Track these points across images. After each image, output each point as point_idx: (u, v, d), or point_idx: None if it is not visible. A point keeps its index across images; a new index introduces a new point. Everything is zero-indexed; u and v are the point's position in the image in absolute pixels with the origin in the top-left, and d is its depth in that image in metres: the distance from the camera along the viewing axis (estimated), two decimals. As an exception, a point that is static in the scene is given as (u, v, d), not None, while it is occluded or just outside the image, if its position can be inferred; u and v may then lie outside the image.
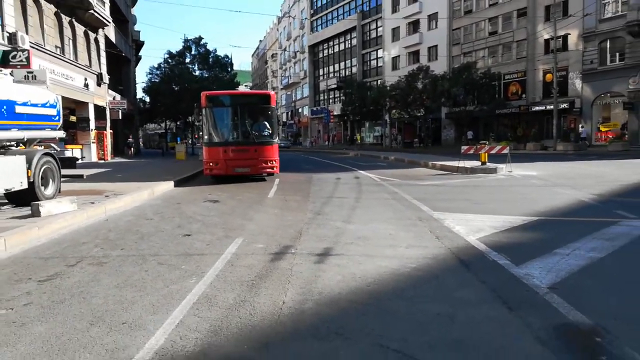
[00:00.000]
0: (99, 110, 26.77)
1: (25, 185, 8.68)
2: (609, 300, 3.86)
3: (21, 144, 9.59)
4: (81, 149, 23.12)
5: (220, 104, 14.70)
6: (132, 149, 34.36)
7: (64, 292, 4.53)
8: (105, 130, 26.98)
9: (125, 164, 23.96)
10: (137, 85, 42.73)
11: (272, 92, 15.63)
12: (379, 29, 54.69)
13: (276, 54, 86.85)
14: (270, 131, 14.63)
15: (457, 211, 8.22)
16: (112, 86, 30.59)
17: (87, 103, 24.68)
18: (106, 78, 27.88)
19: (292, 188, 12.76)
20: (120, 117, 30.02)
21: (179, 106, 37.33)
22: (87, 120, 24.77)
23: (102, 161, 25.12)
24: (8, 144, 9.23)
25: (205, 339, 3.39)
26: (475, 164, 16.37)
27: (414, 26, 49.27)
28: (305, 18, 67.96)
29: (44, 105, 9.76)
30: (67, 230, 7.49)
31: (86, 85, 24.43)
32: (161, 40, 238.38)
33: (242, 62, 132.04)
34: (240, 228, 7.45)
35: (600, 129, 34.21)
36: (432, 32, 46.79)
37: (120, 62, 35.03)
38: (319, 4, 66.62)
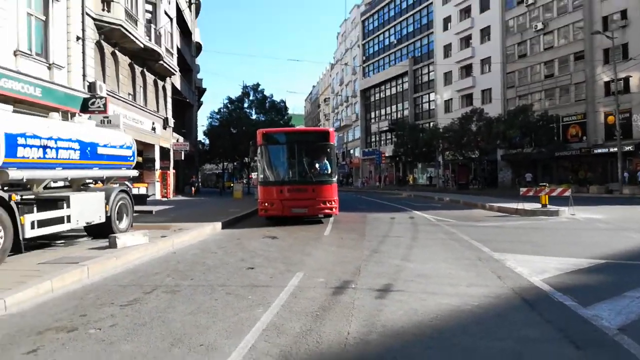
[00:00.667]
0: (164, 152, 28.38)
1: (103, 219, 9.40)
2: (685, 343, 3.75)
3: (99, 182, 10.42)
4: (147, 187, 24.46)
5: (277, 142, 14.20)
6: (194, 187, 35.82)
7: (144, 316, 4.89)
8: (169, 170, 28.49)
9: (186, 202, 25.06)
10: (197, 128, 45.01)
11: (331, 129, 14.82)
12: (431, 74, 55.19)
13: (329, 98, 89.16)
14: (329, 170, 13.87)
15: (519, 252, 8.11)
16: (176, 129, 32.45)
17: (154, 145, 26.27)
18: (171, 122, 29.70)
19: (348, 227, 12.95)
20: (182, 158, 31.63)
21: (236, 148, 38.87)
22: (153, 160, 26.30)
23: (165, 199, 26.39)
24: (89, 181, 10.08)
25: (277, 363, 3.60)
26: (536, 206, 15.95)
27: (467, 70, 49.42)
28: (358, 65, 69.76)
29: (121, 147, 10.62)
30: (140, 262, 8.00)
31: (153, 129, 26.10)
32: (221, 87, 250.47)
33: (296, 106, 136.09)
34: (300, 263, 7.70)
35: (671, 173, 32.40)
36: (485, 76, 46.72)
37: (184, 107, 37.24)
38: (371, 51, 68.36)
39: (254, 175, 19.16)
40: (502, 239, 10.00)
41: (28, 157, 7.56)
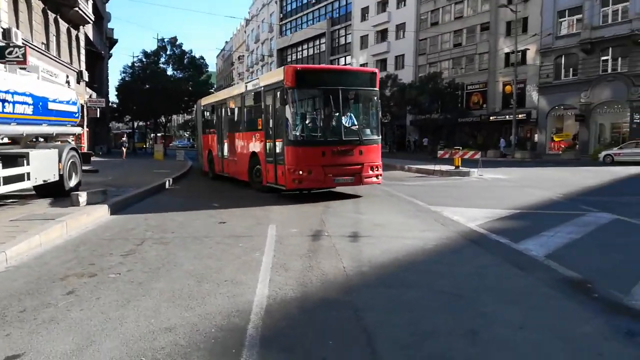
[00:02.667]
0: (77, 108, 26.83)
1: (57, 178, 9.36)
2: (590, 263, 5.16)
3: (46, 139, 10.21)
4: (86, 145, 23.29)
5: (315, 84, 10.73)
6: (126, 149, 33.69)
7: (154, 262, 5.43)
8: (84, 128, 27.03)
9: (112, 163, 24.22)
10: (109, 83, 42.47)
11: (376, 70, 11.94)
12: (348, 36, 56.32)
13: (243, 55, 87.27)
14: (376, 124, 11.30)
15: (449, 206, 9.50)
16: (88, 84, 30.58)
17: (68, 100, 24.75)
18: (86, 76, 28.00)
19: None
20: (97, 116, 30.06)
21: (151, 105, 37.46)
22: (67, 117, 24.83)
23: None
24: (36, 139, 9.87)
25: (299, 289, 4.42)
26: (449, 168, 17.88)
27: (382, 35, 51.16)
28: (275, 23, 68.89)
29: (67, 103, 10.41)
30: (107, 219, 8.26)
31: (67, 82, 24.53)
32: (134, 39, 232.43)
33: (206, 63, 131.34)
34: (266, 217, 8.46)
35: (554, 138, 36.89)
36: (399, 42, 48.78)
37: (95, 60, 34.91)
38: (289, 9, 67.72)
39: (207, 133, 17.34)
40: (431, 195, 11.44)
41: (-12, 113, 7.42)
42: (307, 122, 11.01)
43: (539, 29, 35.60)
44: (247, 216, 8.61)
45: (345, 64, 56.72)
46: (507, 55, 38.44)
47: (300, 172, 10.16)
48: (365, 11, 53.18)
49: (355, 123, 10.86)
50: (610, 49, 32.38)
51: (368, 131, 11.05)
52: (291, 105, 10.24)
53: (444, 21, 44.57)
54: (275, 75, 11.45)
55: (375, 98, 11.13)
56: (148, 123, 46.92)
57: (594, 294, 4.17)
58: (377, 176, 11.00)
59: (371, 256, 5.55)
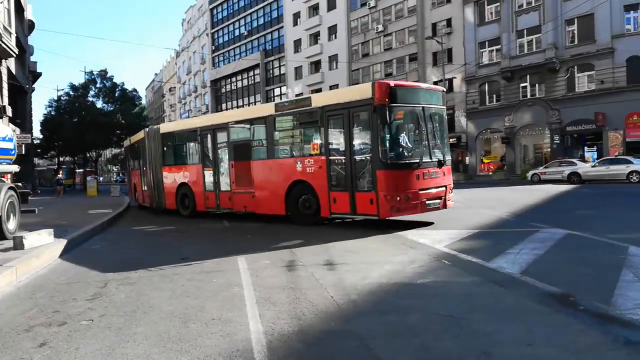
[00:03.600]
0: (0, 145, 24.92)
1: (-6, 219, 8.57)
2: (563, 277, 5.40)
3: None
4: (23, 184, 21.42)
5: (407, 101, 10.01)
6: (63, 187, 30.10)
7: (126, 305, 5.06)
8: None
9: (44, 202, 22.56)
10: (32, 118, 40.00)
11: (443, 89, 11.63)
12: (282, 67, 57.08)
13: (174, 87, 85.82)
14: (448, 144, 11.36)
15: (410, 228, 9.68)
16: (10, 120, 28.57)
17: (-11, 137, 22.97)
18: (9, 111, 26.18)
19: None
20: (23, 152, 28.02)
21: (81, 139, 35.67)
22: (-11, 155, 22.99)
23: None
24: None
25: (294, 322, 4.27)
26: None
27: (316, 66, 52.33)
28: (208, 54, 68.57)
29: (3, 139, 9.67)
30: (56, 262, 7.65)
31: (-9, 118, 22.85)
32: (59, 73, 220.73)
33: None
34: (231, 250, 8.19)
35: (484, 160, 39.08)
36: (333, 72, 50.08)
37: (17, 94, 32.80)
38: (220, 41, 67.78)
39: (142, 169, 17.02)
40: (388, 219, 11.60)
41: None
42: (400, 142, 9.92)
43: (462, 59, 37.97)
44: (210, 249, 8.29)
45: (280, 94, 57.32)
46: (436, 83, 40.49)
47: (399, 198, 9.33)
48: (297, 43, 54.30)
49: (439, 143, 10.42)
50: (528, 76, 35.11)
51: (446, 151, 10.69)
52: (383, 125, 9.32)
53: (374, 52, 46.43)
54: (350, 93, 10.70)
55: (445, 117, 11.03)
56: (76, 158, 44.52)
57: (580, 306, 4.35)
58: (451, 200, 10.72)
59: (355, 284, 5.49)
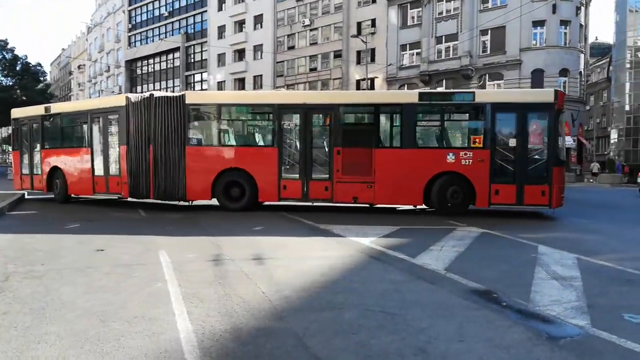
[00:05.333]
0: None
1: None
2: (485, 274, 5.67)
3: None
4: None
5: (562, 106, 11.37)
6: None
7: (33, 301, 4.56)
8: None
9: None
10: None
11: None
12: (204, 53, 55.26)
13: (84, 65, 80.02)
14: None
15: (335, 224, 9.71)
16: None
17: None
18: None
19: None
20: None
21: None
22: None
23: None
24: None
25: (225, 320, 4.07)
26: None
27: (240, 54, 51.23)
28: (124, 32, 64.62)
29: None
30: (-54, 250, 6.77)
31: None
32: None
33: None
34: (151, 242, 7.73)
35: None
36: (257, 62, 49.33)
37: None
38: (138, 20, 64.18)
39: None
40: (315, 214, 11.63)
41: None
42: (563, 144, 11.60)
43: (385, 60, 39.06)
44: (128, 241, 7.77)
45: (201, 81, 55.49)
46: (359, 82, 41.35)
47: (562, 192, 11.12)
48: (222, 29, 52.82)
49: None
50: (445, 80, 36.85)
51: None
52: (558, 127, 10.85)
53: (300, 46, 46.36)
54: (528, 95, 12.51)
55: None
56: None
57: (502, 302, 4.58)
58: None
59: (286, 279, 5.38)
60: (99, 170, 13.33)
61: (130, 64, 63.81)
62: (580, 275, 5.57)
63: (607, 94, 61.31)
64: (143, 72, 62.97)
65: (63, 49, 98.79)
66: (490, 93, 13.27)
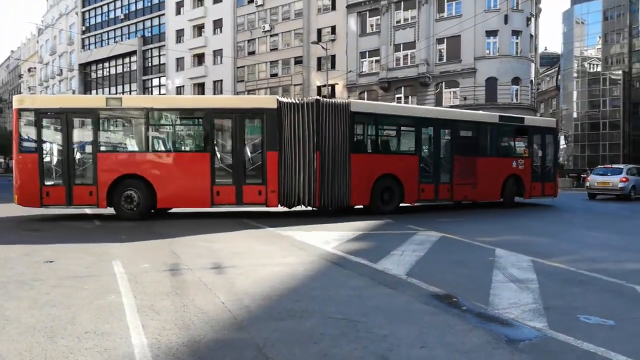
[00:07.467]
0: None
1: None
2: (444, 278, 5.74)
3: None
4: None
5: None
6: None
7: (-27, 318, 4.26)
8: None
9: None
10: None
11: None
12: (162, 57, 54.15)
13: (34, 68, 76.90)
14: None
15: (296, 230, 9.66)
16: None
17: None
18: None
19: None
20: None
21: None
22: None
23: None
24: None
25: (182, 333, 3.92)
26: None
27: (199, 59, 50.50)
28: (77, 34, 62.50)
29: None
30: None
31: None
32: None
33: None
34: (104, 253, 7.41)
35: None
36: (217, 67, 48.76)
37: None
38: (92, 22, 62.27)
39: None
40: (274, 219, 11.50)
41: None
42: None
43: (345, 67, 39.40)
44: (79, 251, 7.42)
45: (159, 85, 54.34)
46: (320, 88, 41.50)
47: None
48: (180, 33, 51.99)
49: None
50: (403, 88, 37.57)
51: None
52: (558, 146, 17.89)
53: (261, 51, 46.18)
54: (541, 122, 18.05)
55: None
56: None
57: (462, 306, 4.63)
58: None
59: (246, 287, 5.26)
60: (223, 178, 11.53)
61: (84, 67, 61.78)
62: (536, 278, 5.72)
63: (556, 102, 64.14)
64: (98, 75, 61.08)
65: (12, 50, 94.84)
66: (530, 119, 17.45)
